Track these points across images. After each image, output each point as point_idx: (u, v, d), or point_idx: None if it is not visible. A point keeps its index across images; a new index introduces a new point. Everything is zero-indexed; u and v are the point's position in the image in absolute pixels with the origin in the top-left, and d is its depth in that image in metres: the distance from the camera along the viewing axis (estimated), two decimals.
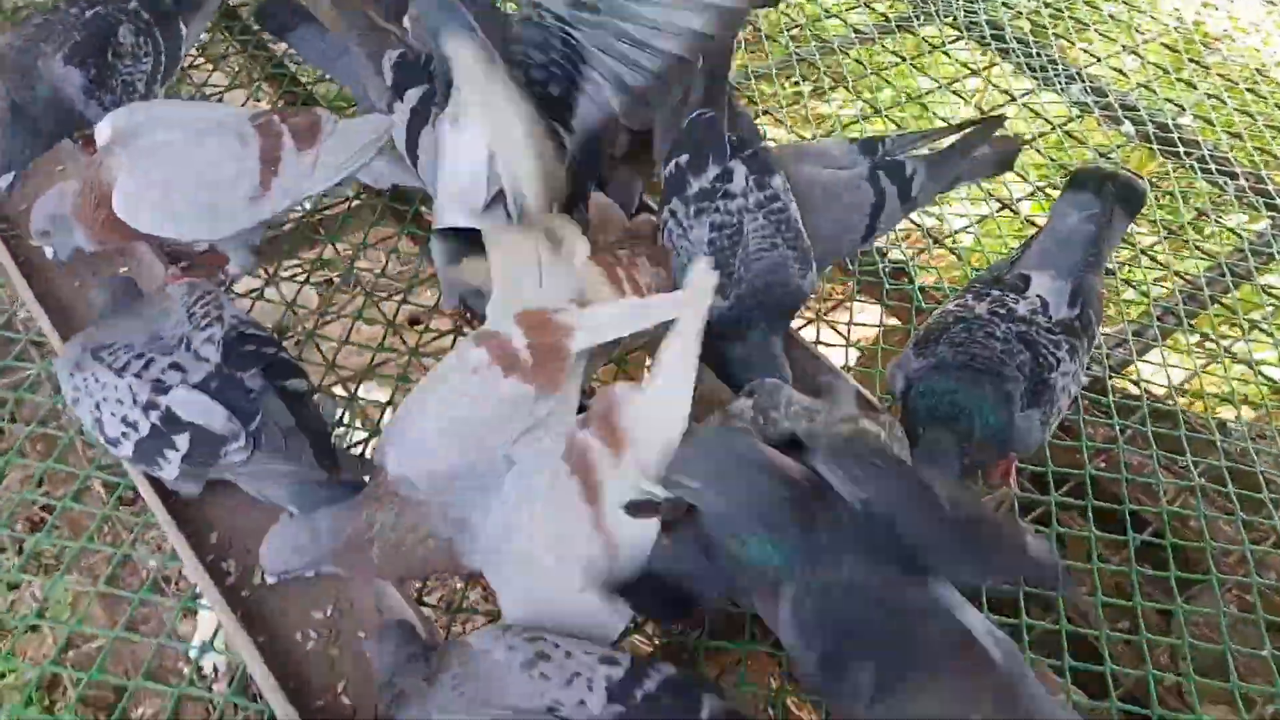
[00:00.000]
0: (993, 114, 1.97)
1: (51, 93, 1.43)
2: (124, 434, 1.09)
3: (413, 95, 1.40)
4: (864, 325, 1.66)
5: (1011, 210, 1.87)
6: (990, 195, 1.89)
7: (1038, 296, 1.27)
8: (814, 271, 1.29)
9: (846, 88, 2.12)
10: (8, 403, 1.35)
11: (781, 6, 2.27)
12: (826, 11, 2.35)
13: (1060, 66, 2.18)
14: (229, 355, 1.10)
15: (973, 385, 1.17)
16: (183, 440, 1.07)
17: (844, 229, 1.42)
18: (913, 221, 1.79)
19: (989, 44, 2.24)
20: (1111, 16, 2.41)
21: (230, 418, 1.07)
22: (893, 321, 1.67)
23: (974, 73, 2.22)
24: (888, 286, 1.65)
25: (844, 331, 1.59)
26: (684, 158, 1.28)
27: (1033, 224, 1.82)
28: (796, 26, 2.24)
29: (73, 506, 1.24)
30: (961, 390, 1.17)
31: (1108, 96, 2.13)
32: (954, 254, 1.81)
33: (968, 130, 1.46)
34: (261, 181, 1.29)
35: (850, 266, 1.68)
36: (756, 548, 0.92)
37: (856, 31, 2.26)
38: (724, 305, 1.24)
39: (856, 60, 2.17)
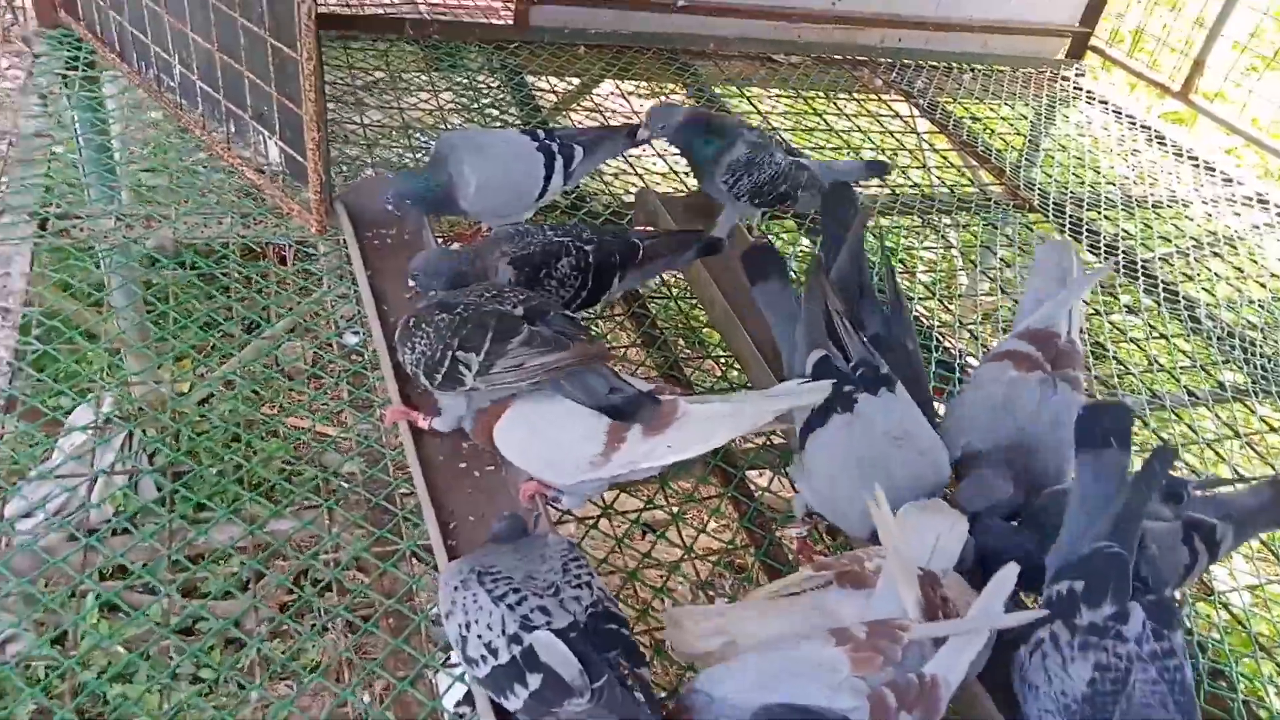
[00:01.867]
0: None
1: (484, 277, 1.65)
2: (483, 657, 1.17)
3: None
4: None
5: None
6: None
7: None
8: None
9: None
10: (372, 570, 1.52)
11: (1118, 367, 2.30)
12: (1159, 365, 2.35)
13: None
14: (594, 627, 1.17)
15: None
16: (535, 679, 1.13)
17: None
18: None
19: None
20: None
21: (582, 672, 1.12)
22: None
23: None
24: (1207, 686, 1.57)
25: None
26: (1079, 584, 1.22)
27: None
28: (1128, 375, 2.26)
29: (408, 690, 1.36)
30: None
31: None
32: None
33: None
34: (604, 453, 1.40)
35: None
36: None
37: (1190, 393, 2.24)
38: None
39: (1189, 425, 2.15)
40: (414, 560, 1.53)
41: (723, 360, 2.14)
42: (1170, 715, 1.13)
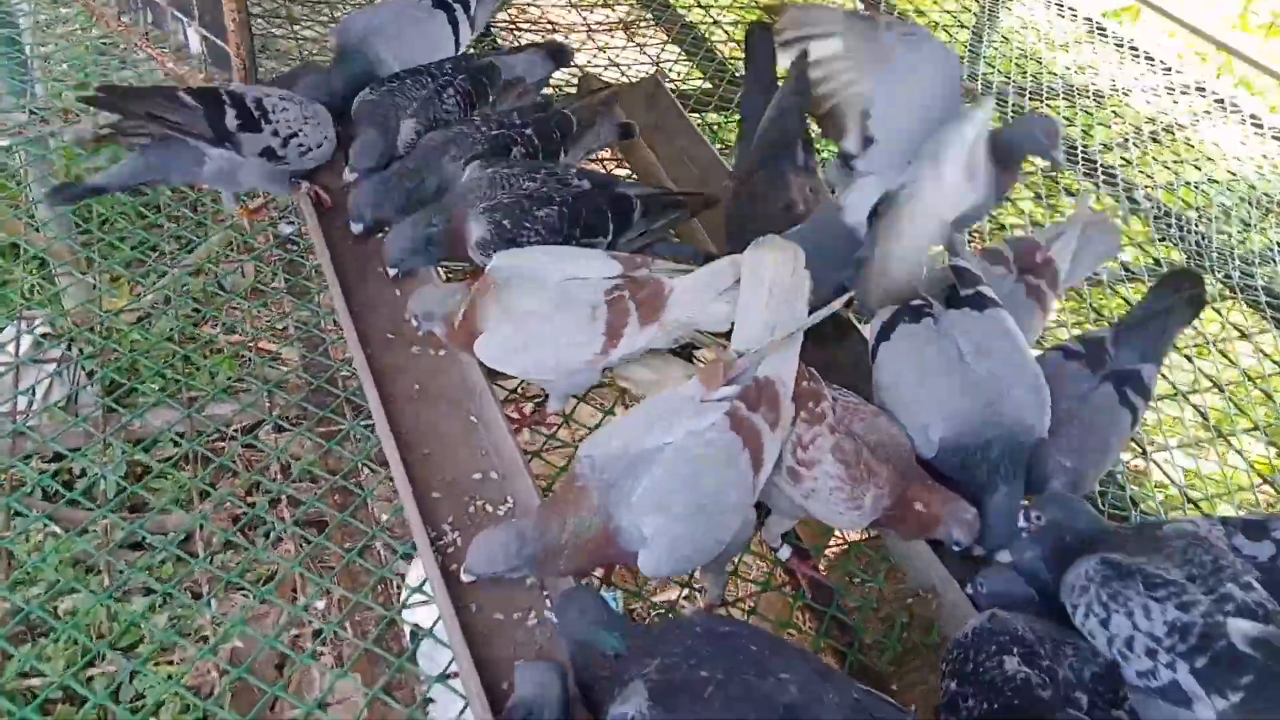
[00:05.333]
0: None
1: (444, 185, 1.64)
2: None
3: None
4: None
5: None
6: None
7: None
8: None
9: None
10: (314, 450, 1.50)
11: None
12: None
13: None
14: None
15: None
16: None
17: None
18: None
19: (1263, 310, 2.22)
20: None
21: None
22: None
23: (1244, 335, 2.19)
24: None
25: None
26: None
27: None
28: None
29: (356, 560, 1.36)
30: None
31: None
32: None
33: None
34: (603, 350, 1.42)
35: None
36: None
37: (1125, 268, 2.28)
38: None
39: (1124, 298, 2.19)
40: (354, 437, 1.51)
41: None
42: None
